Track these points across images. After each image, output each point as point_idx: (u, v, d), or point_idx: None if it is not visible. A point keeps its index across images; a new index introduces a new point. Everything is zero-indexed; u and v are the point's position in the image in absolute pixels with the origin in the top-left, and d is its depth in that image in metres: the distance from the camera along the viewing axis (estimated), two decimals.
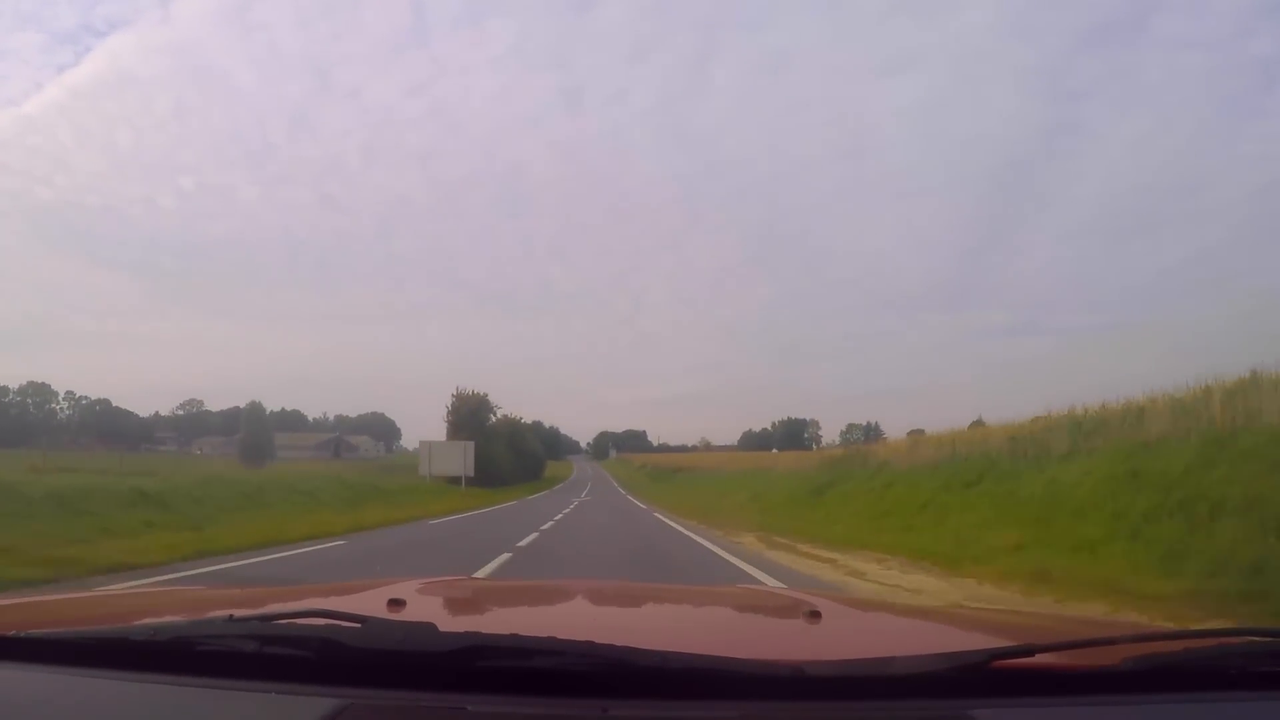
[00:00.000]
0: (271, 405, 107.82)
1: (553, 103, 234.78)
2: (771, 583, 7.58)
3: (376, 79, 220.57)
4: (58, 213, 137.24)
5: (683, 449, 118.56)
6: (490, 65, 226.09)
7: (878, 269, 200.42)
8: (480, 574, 8.06)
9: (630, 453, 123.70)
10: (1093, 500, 10.26)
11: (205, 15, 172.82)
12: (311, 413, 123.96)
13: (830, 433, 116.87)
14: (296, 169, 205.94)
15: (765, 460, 46.04)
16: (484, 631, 0.87)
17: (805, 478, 26.63)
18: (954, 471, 16.35)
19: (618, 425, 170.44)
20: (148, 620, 1.14)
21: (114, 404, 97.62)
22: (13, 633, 0.98)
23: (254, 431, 60.35)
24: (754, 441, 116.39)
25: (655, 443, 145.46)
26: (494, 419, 51.48)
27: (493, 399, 51.01)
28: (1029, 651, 0.91)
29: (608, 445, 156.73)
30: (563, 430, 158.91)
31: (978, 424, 19.51)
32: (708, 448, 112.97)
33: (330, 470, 33.76)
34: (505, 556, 10.22)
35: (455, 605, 1.69)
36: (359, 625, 0.91)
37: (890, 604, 2.83)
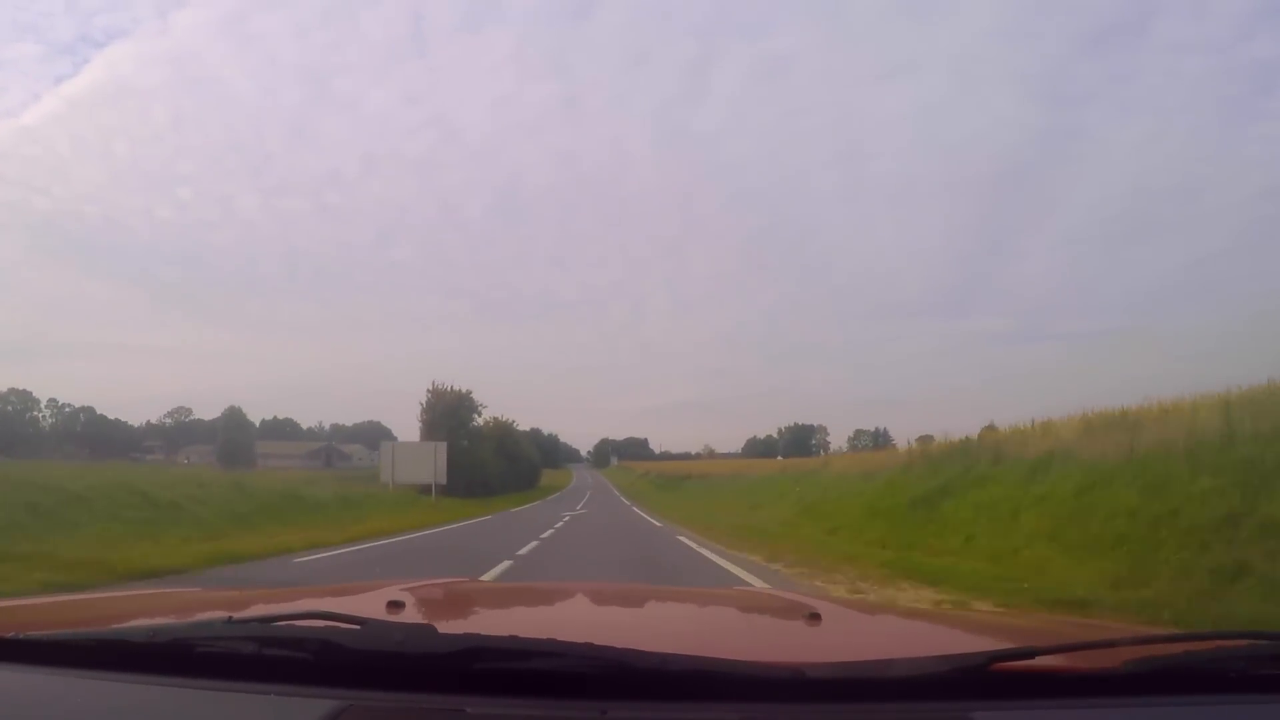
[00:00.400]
0: (265, 414, 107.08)
1: (551, 110, 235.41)
2: None
3: (375, 88, 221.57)
4: (56, 223, 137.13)
5: (686, 456, 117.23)
6: (489, 73, 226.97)
7: (879, 275, 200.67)
8: None
9: (632, 460, 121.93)
10: None
11: (203, 25, 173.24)
12: (307, 422, 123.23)
13: (837, 439, 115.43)
14: (295, 179, 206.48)
15: (801, 464, 35.99)
16: (483, 633, 0.87)
17: (893, 482, 18.18)
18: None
19: (618, 433, 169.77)
20: (147, 622, 1.14)
21: (98, 412, 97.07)
22: (11, 634, 0.97)
23: (234, 438, 58.16)
24: (758, 448, 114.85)
25: (657, 450, 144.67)
26: (479, 420, 45.77)
27: (478, 397, 45.05)
28: (1029, 654, 0.91)
29: (609, 453, 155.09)
30: (563, 439, 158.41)
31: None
32: (711, 455, 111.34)
33: (248, 478, 25.82)
34: None
35: (454, 607, 1.69)
36: (358, 627, 0.91)
37: (890, 606, 2.84)
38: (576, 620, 1.65)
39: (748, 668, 0.86)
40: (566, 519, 21.93)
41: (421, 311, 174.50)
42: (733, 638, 1.47)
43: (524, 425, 67.47)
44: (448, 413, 41.39)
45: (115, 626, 1.09)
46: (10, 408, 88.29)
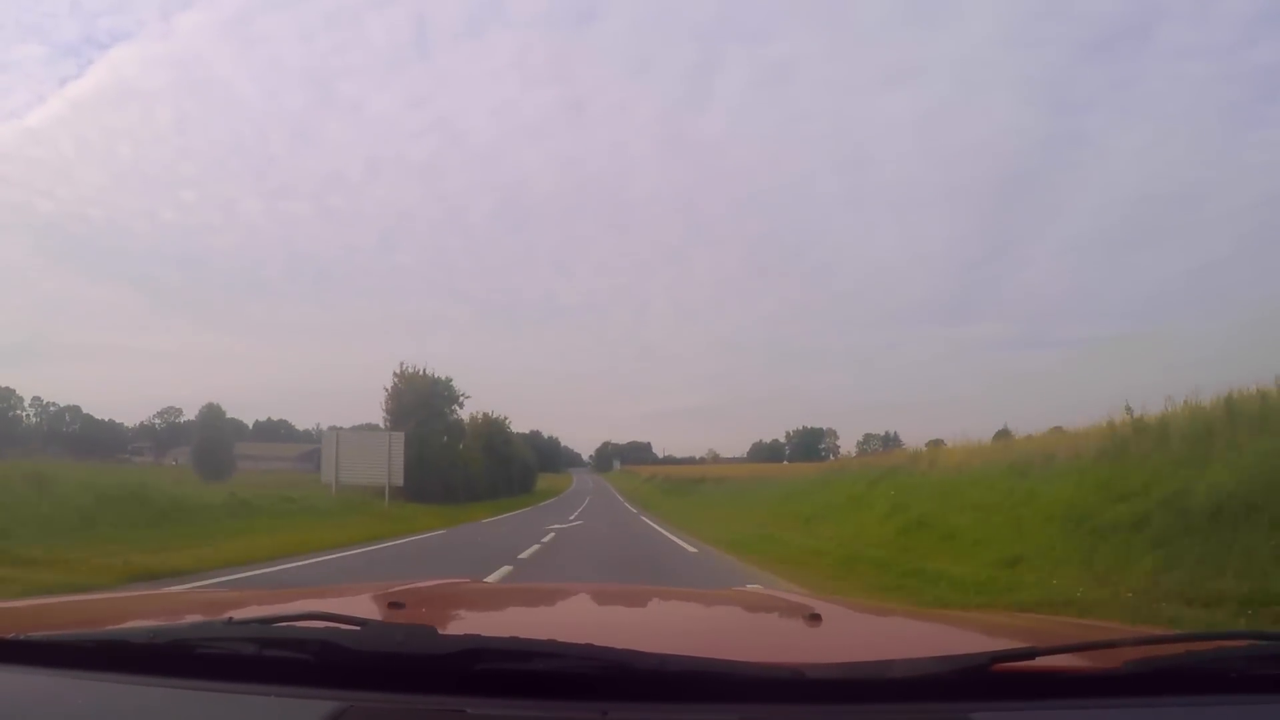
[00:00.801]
0: (260, 416, 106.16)
1: (554, 115, 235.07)
2: None
3: (378, 92, 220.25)
4: (59, 225, 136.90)
5: (690, 460, 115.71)
6: (492, 78, 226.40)
7: (882, 281, 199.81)
8: None
9: (635, 464, 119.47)
10: None
11: (207, 28, 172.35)
12: (304, 424, 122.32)
13: (844, 443, 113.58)
14: (298, 182, 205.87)
15: (873, 461, 24.73)
16: (483, 634, 0.87)
17: (1104, 478, 10.30)
18: None
19: (620, 438, 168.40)
20: (148, 623, 1.14)
21: (84, 411, 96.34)
22: (12, 635, 0.98)
23: (210, 438, 49.27)
24: (764, 453, 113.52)
25: (660, 454, 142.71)
26: (460, 413, 38.80)
27: (461, 386, 37.98)
28: (1030, 654, 0.91)
29: (611, 457, 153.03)
30: (565, 443, 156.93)
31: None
32: (715, 459, 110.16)
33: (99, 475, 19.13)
34: None
35: (455, 608, 1.69)
36: (358, 628, 0.91)
37: (891, 607, 2.83)
38: (577, 621, 1.65)
39: (748, 668, 0.86)
40: (550, 537, 16.23)
41: (424, 315, 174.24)
42: (733, 638, 1.47)
43: (524, 428, 64.44)
44: (419, 402, 34.33)
45: (116, 627, 1.09)
46: None
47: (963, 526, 12.18)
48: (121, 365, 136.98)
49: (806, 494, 23.98)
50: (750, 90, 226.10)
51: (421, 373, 35.88)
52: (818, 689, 0.86)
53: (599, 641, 0.85)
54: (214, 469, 41.35)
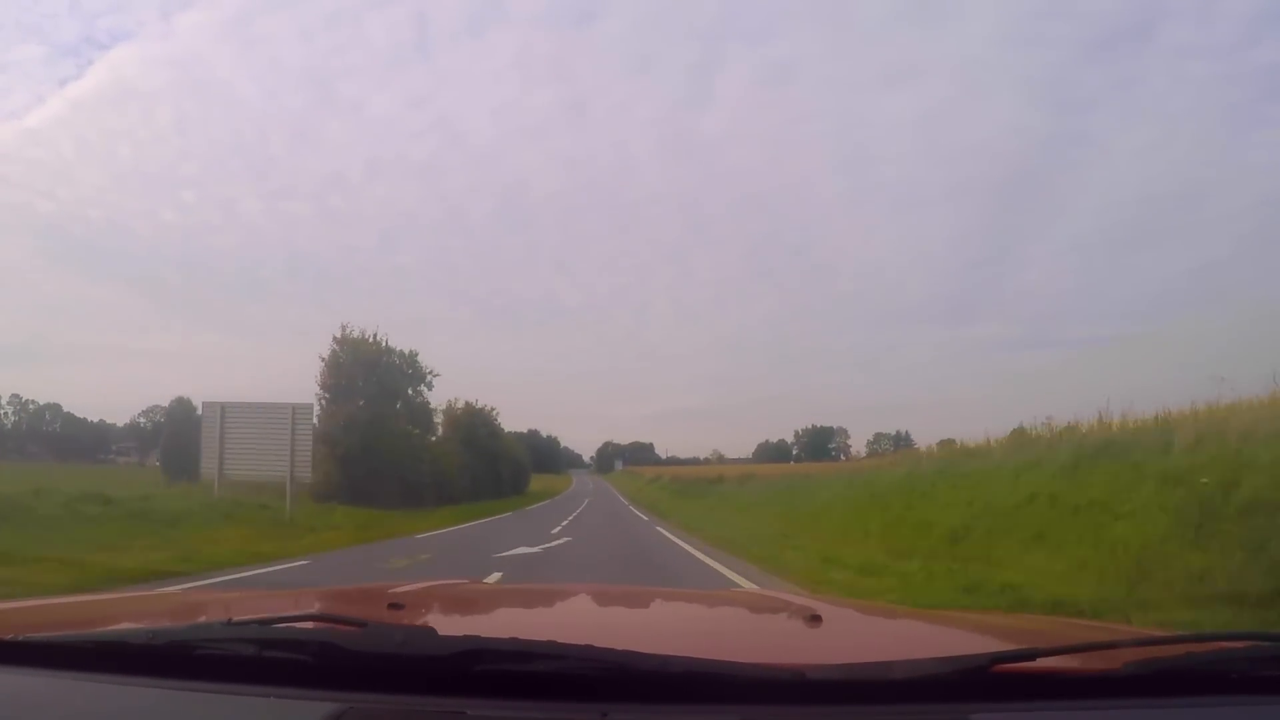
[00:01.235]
0: None
1: (555, 115, 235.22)
2: None
3: (379, 92, 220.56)
4: (59, 226, 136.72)
5: (694, 461, 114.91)
6: (492, 78, 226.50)
7: (884, 281, 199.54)
8: None
9: (638, 465, 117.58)
10: None
11: (207, 28, 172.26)
12: None
13: (854, 443, 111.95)
14: (298, 182, 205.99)
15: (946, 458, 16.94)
16: (483, 635, 0.87)
17: None
18: None
19: (622, 439, 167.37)
20: (146, 624, 1.14)
21: (64, 409, 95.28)
22: (10, 636, 0.97)
23: (179, 435, 41.34)
24: (770, 453, 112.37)
25: (663, 455, 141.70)
26: (426, 395, 31.43)
27: (428, 362, 30.86)
28: (1030, 655, 0.90)
29: (613, 457, 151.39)
30: (566, 444, 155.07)
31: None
32: (720, 460, 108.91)
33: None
34: None
35: (455, 609, 1.68)
36: (358, 629, 0.91)
37: (891, 608, 2.83)
38: (577, 622, 1.64)
39: (749, 670, 0.86)
40: (514, 560, 11.56)
41: (424, 316, 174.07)
42: (733, 639, 1.47)
43: (522, 428, 60.46)
44: (367, 375, 27.15)
45: (115, 628, 1.09)
46: None
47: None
48: (121, 366, 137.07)
49: (881, 498, 16.40)
50: (751, 90, 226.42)
51: (372, 339, 27.67)
52: (818, 690, 0.86)
53: (599, 643, 0.85)
54: (183, 469, 34.24)
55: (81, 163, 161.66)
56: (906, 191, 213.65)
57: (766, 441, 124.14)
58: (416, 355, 30.58)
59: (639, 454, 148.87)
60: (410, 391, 30.66)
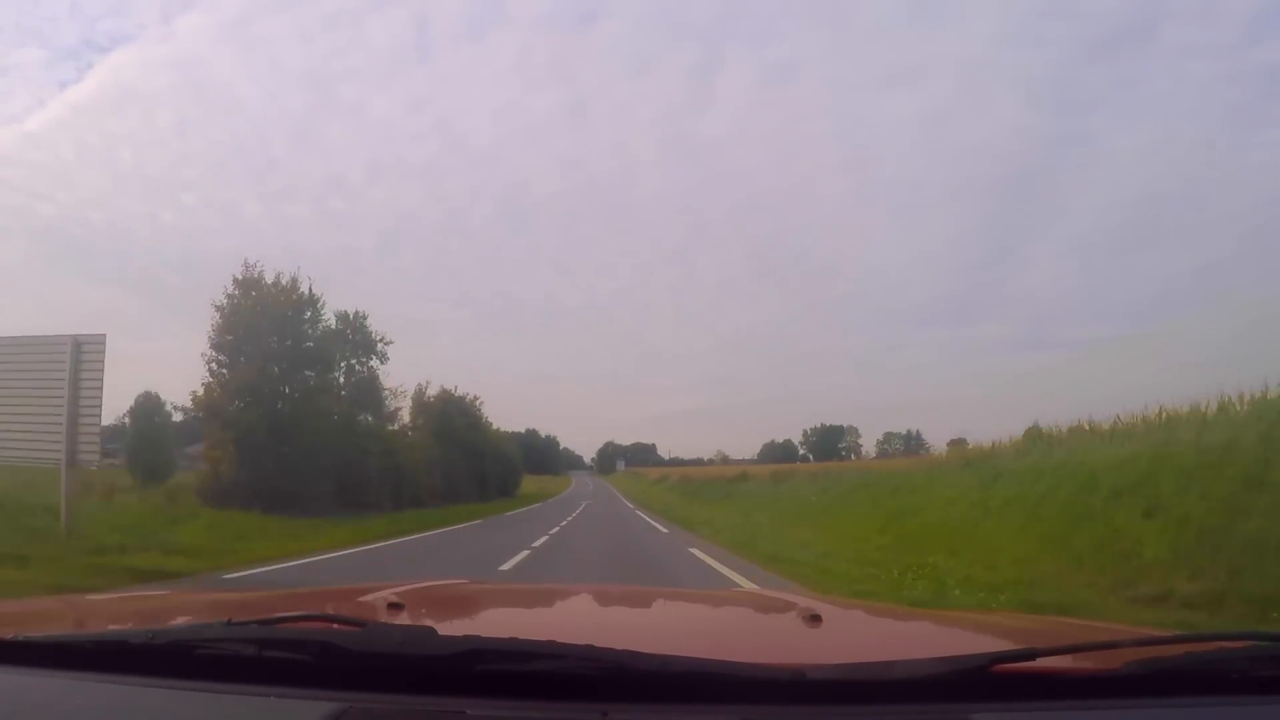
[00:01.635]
0: None
1: (556, 117, 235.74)
2: None
3: (379, 94, 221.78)
4: (60, 229, 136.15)
5: (698, 462, 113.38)
6: (493, 80, 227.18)
7: (886, 282, 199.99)
8: None
9: (640, 466, 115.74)
10: None
11: (208, 30, 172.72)
12: None
13: (865, 442, 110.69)
14: (298, 185, 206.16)
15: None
16: (483, 635, 0.87)
17: None
18: None
19: (624, 440, 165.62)
20: (146, 624, 1.14)
21: None
22: (11, 636, 0.97)
23: (144, 433, 36.34)
24: (777, 453, 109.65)
25: (666, 456, 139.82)
26: (376, 370, 24.82)
27: (381, 327, 24.97)
28: (1030, 655, 0.90)
29: (614, 458, 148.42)
30: (567, 445, 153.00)
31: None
32: (725, 460, 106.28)
33: None
34: None
35: (454, 609, 1.68)
36: (358, 629, 0.91)
37: (891, 607, 2.83)
38: (577, 622, 1.64)
39: (748, 669, 0.86)
40: None
41: (425, 318, 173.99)
42: (733, 639, 1.47)
43: (520, 429, 57.01)
44: (275, 329, 19.46)
45: (115, 628, 1.09)
46: None
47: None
48: (121, 367, 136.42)
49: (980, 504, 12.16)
50: (752, 91, 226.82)
51: (285, 282, 19.73)
52: (818, 690, 0.86)
53: (599, 642, 0.85)
54: (149, 469, 31.10)
55: (82, 165, 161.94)
56: (907, 192, 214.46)
57: (772, 442, 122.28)
58: (365, 318, 24.00)
59: (641, 455, 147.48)
60: (355, 364, 23.88)
